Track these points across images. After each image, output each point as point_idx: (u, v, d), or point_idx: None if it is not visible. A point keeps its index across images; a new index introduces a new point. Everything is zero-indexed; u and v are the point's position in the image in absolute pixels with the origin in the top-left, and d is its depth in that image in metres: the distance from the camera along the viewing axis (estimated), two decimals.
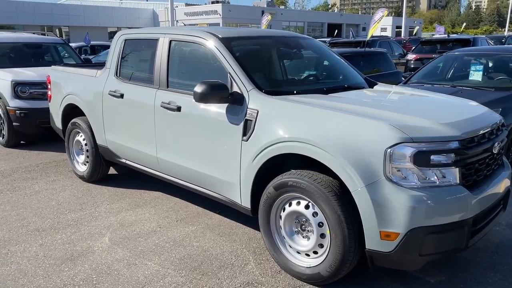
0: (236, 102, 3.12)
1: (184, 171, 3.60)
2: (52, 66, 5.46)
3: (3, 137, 6.41)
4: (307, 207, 2.75)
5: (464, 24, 38.61)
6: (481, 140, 2.67)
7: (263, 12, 28.16)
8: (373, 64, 8.00)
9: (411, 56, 12.84)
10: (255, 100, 3.04)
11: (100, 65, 5.36)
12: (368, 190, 2.42)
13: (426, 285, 2.85)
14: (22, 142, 6.49)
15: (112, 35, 35.11)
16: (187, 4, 46.63)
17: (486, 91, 5.21)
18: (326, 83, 3.92)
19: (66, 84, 4.87)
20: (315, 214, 2.70)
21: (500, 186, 2.84)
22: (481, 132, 2.69)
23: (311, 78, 4.12)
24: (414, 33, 44.89)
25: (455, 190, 2.46)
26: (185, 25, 31.84)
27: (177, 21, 33.46)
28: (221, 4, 42.33)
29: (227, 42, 3.40)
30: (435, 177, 2.43)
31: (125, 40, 4.26)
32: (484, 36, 19.53)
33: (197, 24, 37.37)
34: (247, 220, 3.72)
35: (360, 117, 2.61)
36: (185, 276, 2.94)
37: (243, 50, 3.61)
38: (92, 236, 3.52)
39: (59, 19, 38.09)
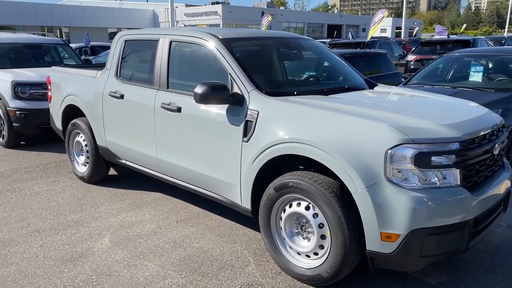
0: (236, 103, 3.12)
1: (184, 172, 3.60)
2: (52, 66, 5.46)
3: (3, 138, 6.40)
4: (307, 208, 2.74)
5: (465, 25, 38.56)
6: (482, 141, 2.67)
7: (263, 13, 28.20)
8: (373, 65, 8.00)
9: (411, 57, 12.85)
10: (256, 101, 3.04)
11: (100, 66, 5.36)
12: (368, 191, 2.42)
13: (427, 286, 2.84)
14: (22, 142, 6.49)
15: (112, 35, 35.22)
16: (187, 5, 46.68)
17: (486, 92, 5.21)
18: (327, 84, 3.92)
19: (66, 85, 4.87)
20: (315, 215, 2.70)
21: (500, 187, 2.83)
22: (482, 133, 2.69)
23: (311, 79, 4.12)
24: (414, 34, 44.96)
25: (456, 192, 2.46)
26: (185, 26, 31.88)
27: (177, 22, 33.48)
28: (221, 5, 42.39)
29: (228, 43, 3.40)
30: (436, 178, 2.43)
31: (126, 41, 4.26)
32: (484, 37, 19.52)
33: (197, 25, 37.43)
34: (247, 221, 3.72)
35: (360, 118, 2.61)
36: (185, 277, 2.93)
37: (244, 51, 3.61)
38: (92, 237, 3.52)
39: (59, 20, 38.11)
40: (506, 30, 45.83)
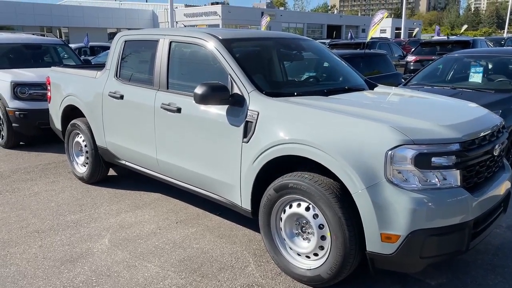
0: (236, 103, 3.11)
1: (184, 173, 3.60)
2: (52, 67, 5.45)
3: (2, 138, 6.39)
4: (307, 209, 2.74)
5: (465, 26, 38.54)
6: (482, 142, 2.67)
7: (262, 14, 28.21)
8: (373, 66, 8.00)
9: (410, 58, 12.85)
10: (256, 102, 3.03)
11: (100, 66, 5.35)
12: (369, 192, 2.42)
13: (427, 287, 2.84)
14: (21, 143, 6.48)
15: (111, 36, 35.20)
16: (186, 5, 46.70)
17: (486, 93, 5.21)
18: (327, 85, 3.92)
19: (65, 85, 4.86)
20: (315, 216, 2.70)
21: (500, 188, 2.83)
22: (482, 134, 2.69)
23: (311, 79, 4.12)
24: (413, 35, 45.01)
25: (456, 192, 2.46)
26: (185, 26, 31.89)
27: (176, 22, 33.47)
28: (220, 5, 42.39)
29: (228, 44, 3.39)
30: (436, 179, 2.43)
31: (125, 41, 4.26)
32: (483, 37, 19.54)
33: (196, 25, 37.43)
34: (247, 222, 3.71)
35: (361, 119, 2.61)
36: (185, 278, 2.93)
37: (244, 51, 3.61)
38: (92, 238, 3.51)
39: (59, 20, 38.09)
40: (505, 31, 45.87)
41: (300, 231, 2.85)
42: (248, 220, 3.46)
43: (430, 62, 6.80)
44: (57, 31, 36.77)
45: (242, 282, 2.88)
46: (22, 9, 35.47)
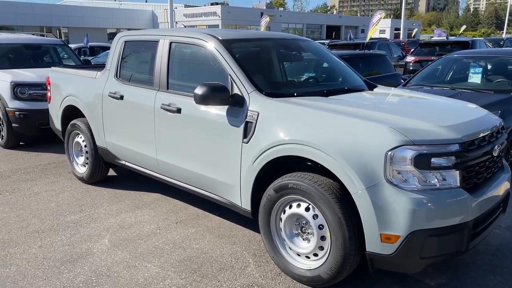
0: (236, 104, 3.12)
1: (184, 173, 3.60)
2: (52, 67, 5.45)
3: (2, 138, 6.39)
4: (307, 209, 2.75)
5: (464, 26, 38.58)
6: (481, 143, 2.68)
7: (262, 14, 28.22)
8: (372, 66, 8.01)
9: (410, 58, 12.87)
10: (256, 102, 3.04)
11: (100, 66, 5.35)
12: (368, 192, 2.42)
13: (426, 287, 2.85)
14: (21, 143, 6.48)
15: (111, 36, 35.18)
16: (186, 6, 46.68)
17: (485, 93, 5.22)
18: (326, 85, 3.93)
19: (65, 86, 4.87)
20: (315, 216, 2.70)
21: (500, 189, 2.84)
22: (481, 135, 2.70)
23: (311, 80, 4.12)
24: (412, 35, 45.03)
25: (456, 193, 2.46)
26: (184, 26, 31.89)
27: (176, 22, 33.47)
28: (220, 5, 42.38)
29: (228, 44, 3.40)
30: (436, 180, 2.43)
31: (125, 41, 4.26)
32: (482, 38, 19.56)
33: (196, 26, 37.44)
34: (247, 222, 3.72)
35: (360, 119, 2.61)
36: (185, 278, 2.93)
37: (243, 52, 3.61)
38: (92, 238, 3.52)
39: (58, 20, 38.05)
40: (504, 31, 45.91)
41: (300, 231, 2.86)
42: (248, 220, 3.47)
43: (430, 62, 6.81)
44: (57, 31, 36.74)
45: (242, 282, 2.88)
46: (22, 9, 35.43)
